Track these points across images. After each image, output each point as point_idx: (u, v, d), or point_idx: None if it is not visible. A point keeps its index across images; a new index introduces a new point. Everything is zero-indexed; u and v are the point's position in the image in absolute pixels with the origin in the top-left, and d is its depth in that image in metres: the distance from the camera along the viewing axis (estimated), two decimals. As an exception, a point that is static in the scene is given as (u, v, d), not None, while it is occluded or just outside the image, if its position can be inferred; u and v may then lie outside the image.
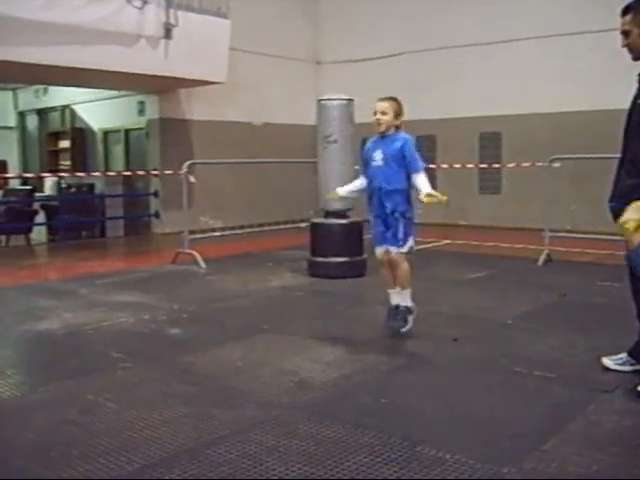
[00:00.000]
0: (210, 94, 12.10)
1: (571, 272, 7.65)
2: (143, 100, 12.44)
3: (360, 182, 5.02)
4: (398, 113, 4.65)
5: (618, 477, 2.73)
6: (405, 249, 4.67)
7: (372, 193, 4.77)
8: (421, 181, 4.53)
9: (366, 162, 4.82)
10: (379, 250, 4.80)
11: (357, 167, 7.90)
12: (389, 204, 4.63)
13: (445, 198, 4.40)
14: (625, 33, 3.63)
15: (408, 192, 4.65)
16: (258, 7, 12.74)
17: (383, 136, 4.70)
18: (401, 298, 4.78)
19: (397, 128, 4.68)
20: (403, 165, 4.59)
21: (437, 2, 12.81)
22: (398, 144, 4.61)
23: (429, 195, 4.43)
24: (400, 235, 4.63)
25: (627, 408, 3.46)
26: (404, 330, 4.73)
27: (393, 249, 4.67)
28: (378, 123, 4.66)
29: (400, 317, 4.76)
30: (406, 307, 4.77)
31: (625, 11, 3.62)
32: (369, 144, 4.83)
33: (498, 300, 6.16)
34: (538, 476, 2.71)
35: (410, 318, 4.78)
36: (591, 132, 10.57)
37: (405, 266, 4.71)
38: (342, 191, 5.16)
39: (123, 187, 12.18)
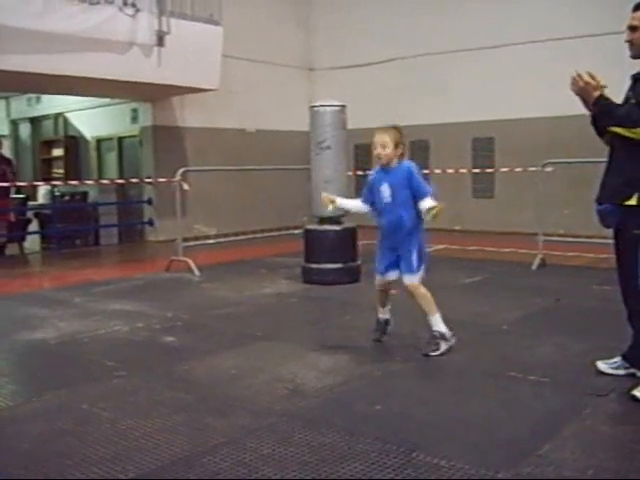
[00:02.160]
0: (203, 101, 12.12)
1: (565, 276, 7.67)
2: (136, 108, 12.45)
3: (358, 205, 4.89)
4: (398, 142, 4.50)
5: (613, 481, 2.74)
6: (419, 276, 4.57)
7: (382, 226, 4.68)
8: (426, 202, 4.39)
9: (371, 191, 4.69)
10: (381, 279, 4.73)
11: (350, 173, 7.92)
12: (402, 242, 4.55)
13: (441, 206, 4.34)
14: (632, 28, 3.69)
15: (419, 226, 4.57)
16: (251, 14, 12.77)
17: (387, 169, 4.57)
18: (433, 323, 4.59)
19: (400, 156, 4.55)
20: (411, 195, 4.46)
21: (430, 7, 12.84)
22: (403, 174, 4.49)
23: (429, 210, 4.34)
24: (414, 262, 4.55)
25: (621, 412, 3.48)
26: (433, 354, 4.50)
27: (407, 277, 4.57)
28: (379, 158, 4.53)
29: (433, 342, 4.56)
30: (439, 332, 4.56)
31: (637, 7, 3.68)
32: (374, 174, 4.72)
33: (493, 305, 6.18)
34: (534, 481, 2.72)
35: (443, 345, 4.53)
36: (584, 136, 10.54)
37: (423, 291, 4.59)
38: (339, 201, 4.93)
39: (117, 195, 12.18)
